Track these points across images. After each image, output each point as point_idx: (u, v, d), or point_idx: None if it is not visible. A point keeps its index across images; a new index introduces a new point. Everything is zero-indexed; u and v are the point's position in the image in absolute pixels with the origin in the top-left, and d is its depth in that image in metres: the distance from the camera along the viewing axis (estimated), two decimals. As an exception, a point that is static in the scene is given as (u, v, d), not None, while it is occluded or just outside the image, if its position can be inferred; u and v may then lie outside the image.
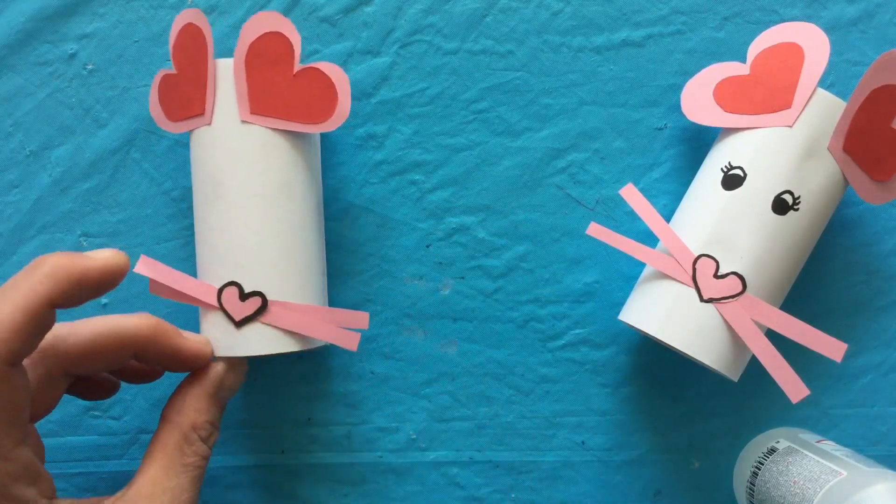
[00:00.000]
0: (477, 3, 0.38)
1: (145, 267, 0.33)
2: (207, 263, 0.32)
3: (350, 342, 0.32)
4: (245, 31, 0.32)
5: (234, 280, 0.32)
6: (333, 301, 0.38)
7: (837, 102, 0.32)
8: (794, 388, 0.31)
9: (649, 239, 0.35)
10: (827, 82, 0.38)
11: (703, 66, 0.36)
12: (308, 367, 0.38)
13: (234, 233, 0.32)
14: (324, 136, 0.38)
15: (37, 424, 0.31)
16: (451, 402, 0.38)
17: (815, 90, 0.32)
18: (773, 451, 0.36)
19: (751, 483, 0.36)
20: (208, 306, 0.32)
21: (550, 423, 0.38)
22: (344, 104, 0.32)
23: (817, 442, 0.35)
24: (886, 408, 0.38)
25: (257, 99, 0.32)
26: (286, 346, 0.32)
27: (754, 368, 0.33)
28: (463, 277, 0.38)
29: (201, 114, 0.32)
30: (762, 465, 0.36)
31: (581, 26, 0.38)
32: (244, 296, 0.31)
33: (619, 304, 0.37)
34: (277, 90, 0.32)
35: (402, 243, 0.38)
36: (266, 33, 0.32)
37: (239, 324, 0.32)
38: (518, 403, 0.38)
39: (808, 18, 0.38)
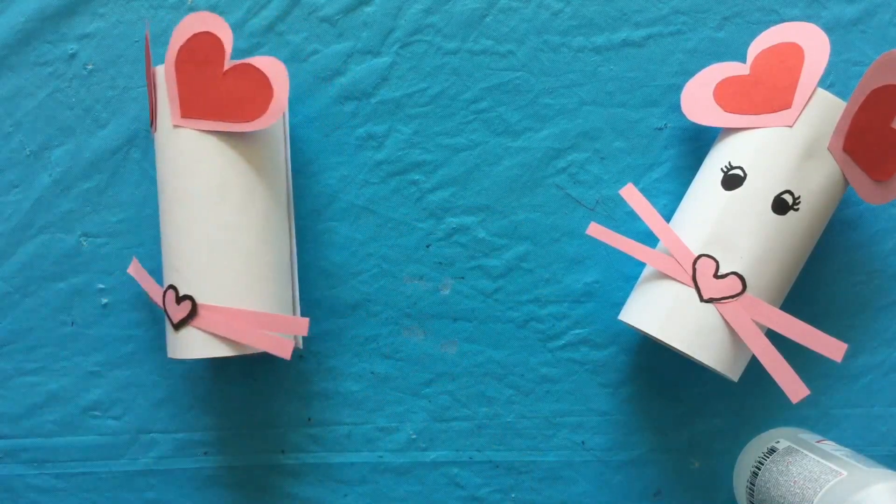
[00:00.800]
0: (477, 3, 0.38)
1: (134, 270, 0.35)
2: (164, 265, 0.33)
3: (282, 349, 0.32)
4: (175, 34, 0.31)
5: (172, 283, 0.32)
6: (333, 301, 0.38)
7: (837, 102, 0.32)
8: (794, 388, 0.31)
9: (649, 239, 0.35)
10: (827, 82, 0.38)
11: (703, 66, 0.36)
12: (308, 367, 0.38)
13: (170, 237, 0.32)
14: (324, 136, 0.38)
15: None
16: (451, 402, 0.38)
17: (815, 90, 0.32)
18: (773, 451, 0.36)
19: (751, 483, 0.36)
20: (161, 307, 0.33)
21: (550, 423, 0.38)
22: (280, 98, 0.31)
23: (817, 442, 0.35)
24: (886, 408, 0.38)
25: (187, 102, 0.31)
26: (219, 350, 0.32)
27: (754, 368, 0.33)
28: (463, 277, 0.38)
29: (153, 121, 0.33)
30: (762, 465, 0.36)
31: (581, 26, 0.38)
32: (179, 299, 0.32)
33: (619, 304, 0.37)
34: (207, 91, 0.31)
35: (402, 243, 0.38)
36: (195, 34, 0.31)
37: (176, 327, 0.32)
38: (518, 403, 0.38)
39: (808, 18, 0.38)
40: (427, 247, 0.38)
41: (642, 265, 0.36)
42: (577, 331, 0.38)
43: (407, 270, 0.38)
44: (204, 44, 0.31)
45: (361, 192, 0.38)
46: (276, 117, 0.31)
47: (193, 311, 0.31)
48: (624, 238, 0.34)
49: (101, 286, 0.38)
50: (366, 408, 0.38)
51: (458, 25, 0.38)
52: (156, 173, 0.33)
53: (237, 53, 0.37)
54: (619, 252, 0.34)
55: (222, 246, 0.32)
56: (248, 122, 0.31)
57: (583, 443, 0.38)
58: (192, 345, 0.32)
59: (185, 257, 0.32)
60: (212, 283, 0.32)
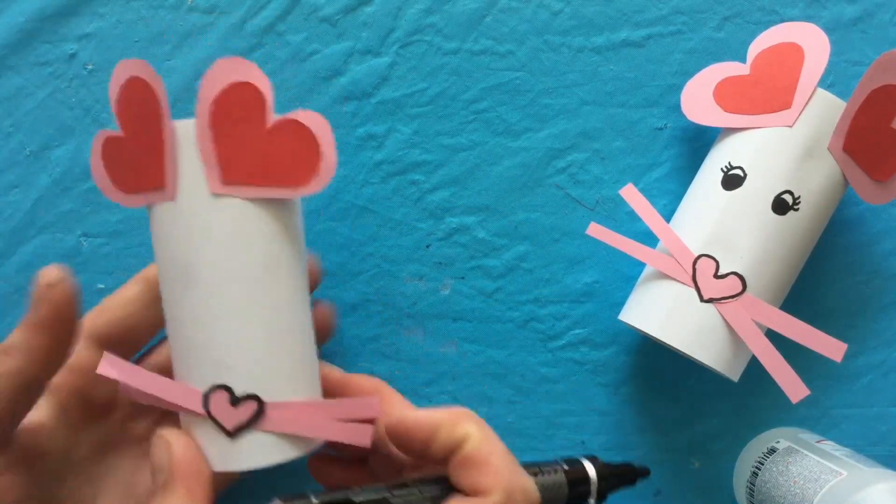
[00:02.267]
0: (477, 3, 0.38)
1: (110, 367, 0.27)
2: (186, 361, 0.27)
3: (362, 437, 0.28)
4: (205, 84, 0.26)
5: (221, 382, 0.26)
6: (333, 301, 0.37)
7: (837, 102, 0.32)
8: (794, 388, 0.31)
9: (649, 239, 0.35)
10: (827, 82, 0.38)
11: (703, 66, 0.36)
12: (308, 367, 0.38)
13: (215, 326, 0.26)
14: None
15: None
16: (451, 402, 0.38)
17: (815, 90, 0.32)
18: (773, 451, 0.36)
19: (751, 483, 0.36)
20: (192, 413, 0.27)
21: (550, 423, 0.38)
22: (329, 157, 0.27)
23: (817, 442, 0.35)
24: (886, 408, 0.38)
25: (229, 166, 0.26)
26: (288, 452, 0.27)
27: (754, 368, 0.33)
28: (463, 277, 0.38)
29: (161, 187, 0.26)
30: (762, 465, 0.36)
31: (581, 26, 0.38)
32: (236, 400, 0.27)
33: (619, 304, 0.37)
34: (250, 152, 0.26)
35: (402, 243, 0.38)
36: (230, 85, 0.26)
37: (233, 433, 0.27)
38: (518, 403, 0.38)
39: (808, 18, 0.38)
40: (427, 247, 0.38)
41: (642, 265, 0.36)
42: (577, 331, 0.38)
43: (407, 270, 0.38)
44: (243, 97, 0.26)
45: (361, 192, 0.38)
46: (328, 179, 0.27)
47: (260, 412, 0.27)
48: (624, 238, 0.34)
49: (100, 286, 0.38)
50: (366, 408, 0.38)
51: (458, 25, 0.38)
52: (167, 250, 0.27)
53: (238, 54, 0.37)
54: (619, 252, 0.34)
55: (280, 331, 0.27)
56: (300, 186, 0.27)
57: (583, 443, 0.38)
58: (258, 451, 0.27)
59: (239, 349, 0.26)
60: (274, 375, 0.27)
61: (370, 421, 0.28)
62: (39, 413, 0.29)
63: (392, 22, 0.38)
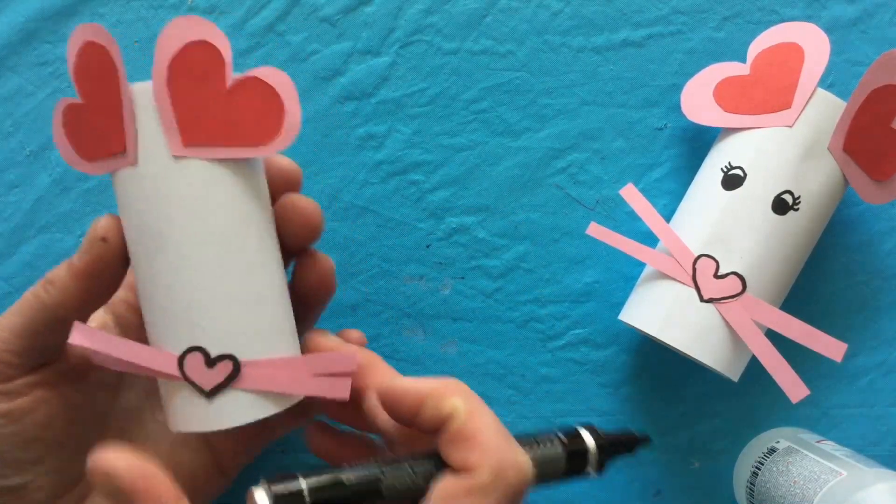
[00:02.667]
0: (477, 3, 0.38)
1: (82, 336, 0.27)
2: (159, 326, 0.27)
3: (340, 390, 0.28)
4: (161, 44, 0.25)
5: (197, 344, 0.26)
6: (333, 301, 0.37)
7: (837, 102, 0.32)
8: (794, 388, 0.31)
9: (649, 239, 0.35)
10: (827, 82, 0.38)
11: (703, 66, 0.36)
12: (308, 367, 0.38)
13: (187, 290, 0.26)
14: (324, 136, 0.38)
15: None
16: (451, 402, 0.38)
17: (815, 90, 0.32)
18: (773, 451, 0.36)
19: (751, 483, 0.36)
20: (168, 377, 0.27)
21: (550, 423, 0.38)
22: (293, 113, 0.26)
23: (817, 442, 0.35)
24: (886, 408, 0.38)
25: (189, 127, 0.26)
26: (267, 409, 0.27)
27: (754, 368, 0.33)
28: (463, 277, 0.38)
29: (122, 152, 0.26)
30: (762, 465, 0.36)
31: (581, 26, 0.38)
32: (211, 361, 0.26)
33: (619, 304, 0.37)
34: (211, 112, 0.26)
35: (402, 243, 0.38)
36: (187, 45, 0.25)
37: (210, 394, 0.27)
38: (518, 403, 0.38)
39: (808, 18, 0.38)
40: (427, 247, 0.38)
41: (642, 265, 0.36)
42: (577, 331, 0.38)
43: (407, 270, 0.38)
44: (200, 56, 0.25)
45: (361, 192, 0.38)
46: (293, 136, 0.27)
47: (236, 371, 0.27)
48: (624, 238, 0.34)
49: (101, 286, 0.38)
50: (366, 408, 0.38)
51: (458, 25, 0.38)
52: (132, 216, 0.27)
53: (238, 54, 0.37)
54: (619, 252, 0.34)
55: (253, 289, 0.27)
56: (264, 144, 0.26)
57: (583, 443, 0.38)
58: (236, 410, 0.27)
59: (212, 310, 0.26)
60: (249, 334, 0.27)
61: (348, 374, 0.28)
62: (95, 325, 0.30)
63: (392, 22, 0.38)
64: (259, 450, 0.35)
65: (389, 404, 0.27)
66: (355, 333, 0.32)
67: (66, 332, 0.27)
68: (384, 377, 0.29)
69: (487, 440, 0.24)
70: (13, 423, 0.28)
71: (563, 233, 0.38)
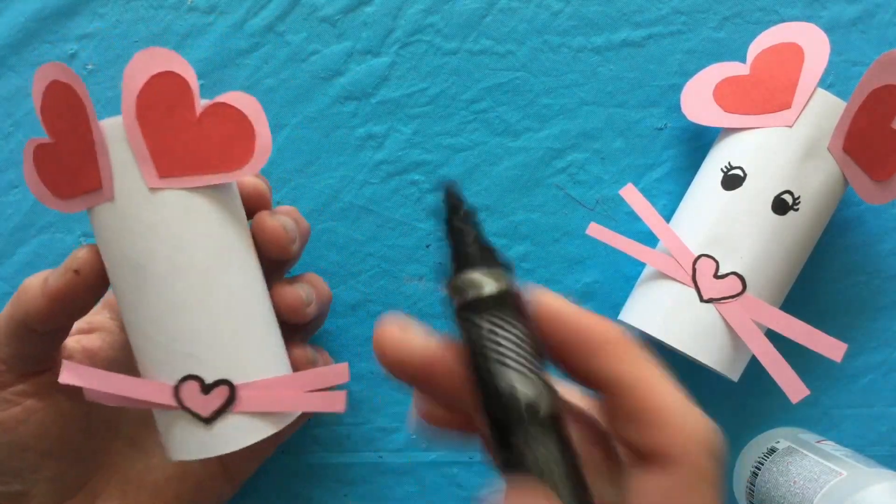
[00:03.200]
0: (477, 3, 0.38)
1: (71, 375, 0.27)
2: (150, 357, 0.27)
3: (336, 404, 0.28)
4: (127, 78, 0.25)
5: (190, 373, 0.26)
6: (333, 301, 0.37)
7: (837, 102, 0.32)
8: (794, 388, 0.31)
9: (649, 239, 0.35)
10: (827, 82, 0.38)
11: (703, 66, 0.36)
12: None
13: (174, 320, 0.26)
14: (324, 136, 0.38)
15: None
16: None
17: (815, 90, 0.32)
18: (773, 451, 0.36)
19: (751, 483, 0.36)
20: (164, 407, 0.27)
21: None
22: (263, 136, 0.27)
23: (817, 442, 0.35)
24: (886, 408, 0.38)
25: (163, 158, 0.26)
26: (266, 429, 0.28)
27: (754, 368, 0.33)
28: (463, 277, 0.38)
29: (97, 188, 0.26)
30: (762, 465, 0.36)
31: (581, 26, 0.38)
32: (207, 388, 0.27)
33: (619, 304, 0.37)
34: (183, 142, 0.26)
35: (402, 243, 0.38)
36: (152, 77, 0.25)
37: (208, 420, 0.27)
38: (518, 403, 0.38)
39: (808, 18, 0.38)
40: (427, 247, 0.38)
41: (642, 265, 0.36)
42: (577, 331, 0.38)
43: (407, 270, 0.38)
44: (167, 87, 0.25)
45: (361, 192, 0.38)
46: (266, 158, 0.27)
47: (232, 396, 0.27)
48: (624, 238, 0.34)
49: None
50: (366, 408, 0.38)
51: (458, 25, 0.38)
52: (112, 250, 0.27)
53: (238, 54, 0.37)
54: (619, 252, 0.34)
55: (240, 313, 0.27)
56: (239, 168, 0.27)
57: (583, 443, 0.38)
58: (236, 434, 0.27)
59: (202, 338, 0.26)
60: (241, 357, 0.27)
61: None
62: (92, 327, 0.30)
63: (392, 22, 0.38)
64: (269, 454, 0.35)
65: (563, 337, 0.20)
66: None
67: (45, 343, 0.27)
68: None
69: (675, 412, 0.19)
70: (6, 432, 0.28)
71: (563, 233, 0.38)
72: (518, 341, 0.17)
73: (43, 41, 0.38)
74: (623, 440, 0.19)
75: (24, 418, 0.28)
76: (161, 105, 0.25)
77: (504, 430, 0.17)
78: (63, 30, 0.37)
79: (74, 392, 0.28)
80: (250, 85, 0.37)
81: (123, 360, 0.31)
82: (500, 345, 0.17)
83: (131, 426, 0.32)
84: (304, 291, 0.30)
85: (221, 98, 0.26)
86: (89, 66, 0.38)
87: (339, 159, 0.38)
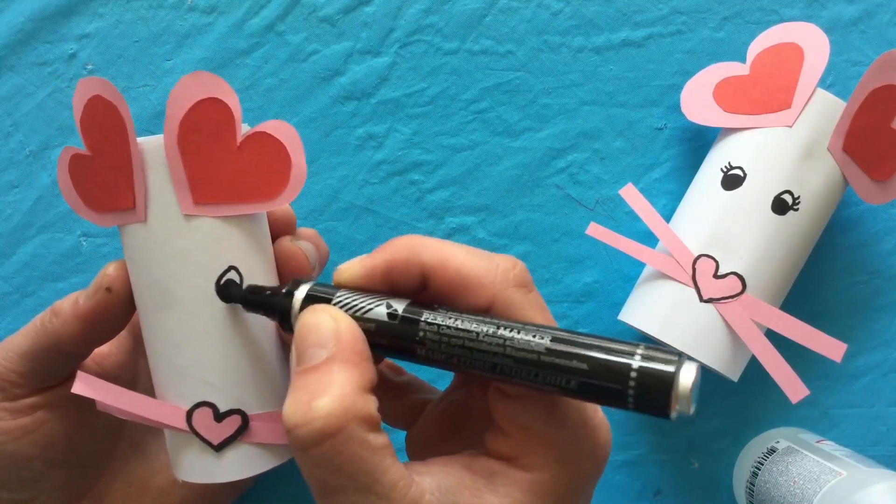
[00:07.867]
0: (477, 3, 0.38)
1: (85, 386, 0.27)
2: (167, 379, 0.27)
3: None
4: (172, 103, 0.25)
5: (205, 399, 0.26)
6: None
7: (837, 102, 0.32)
8: (794, 388, 0.31)
9: (649, 239, 0.35)
10: (827, 82, 0.38)
11: (703, 66, 0.36)
12: (308, 367, 0.38)
13: (195, 347, 0.26)
14: (324, 136, 0.38)
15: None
16: (451, 402, 0.38)
17: (814, 90, 0.32)
18: (773, 451, 0.36)
19: (751, 483, 0.36)
20: (175, 429, 0.27)
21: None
22: (299, 166, 0.26)
23: (817, 442, 0.35)
24: (886, 408, 0.38)
25: (200, 185, 0.25)
26: (272, 461, 0.28)
27: (754, 368, 0.33)
28: (463, 277, 0.38)
29: (131, 208, 0.26)
30: (762, 465, 0.36)
31: (581, 26, 0.38)
32: (220, 416, 0.27)
33: (619, 304, 0.37)
34: (221, 171, 0.26)
35: (402, 243, 0.38)
36: (198, 102, 0.25)
37: (218, 447, 0.27)
38: (518, 403, 0.38)
39: (808, 18, 0.38)
40: (427, 247, 0.38)
41: (642, 265, 0.36)
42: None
43: (407, 270, 0.38)
44: (212, 114, 0.25)
45: (361, 192, 0.38)
46: (299, 189, 0.26)
47: (244, 426, 0.27)
48: (624, 238, 0.34)
49: (101, 286, 0.38)
50: (366, 408, 0.38)
51: (458, 25, 0.38)
52: (140, 270, 0.26)
53: (238, 54, 0.37)
54: (619, 252, 0.34)
55: (258, 344, 0.27)
56: (272, 198, 0.26)
57: (583, 443, 0.38)
58: (243, 463, 0.27)
59: (221, 367, 0.26)
60: (255, 388, 0.27)
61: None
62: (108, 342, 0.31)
63: (392, 22, 0.38)
64: None
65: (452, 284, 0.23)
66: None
67: (69, 362, 0.28)
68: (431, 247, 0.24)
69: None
70: (14, 440, 0.28)
71: (563, 233, 0.38)
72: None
73: (43, 41, 0.38)
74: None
75: (33, 429, 0.28)
76: (204, 132, 0.25)
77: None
78: (63, 30, 0.37)
79: (84, 401, 0.28)
80: (250, 85, 0.37)
81: (131, 364, 0.31)
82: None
83: (135, 430, 0.32)
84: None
85: (262, 127, 0.26)
86: (89, 66, 0.38)
87: (338, 159, 0.38)
